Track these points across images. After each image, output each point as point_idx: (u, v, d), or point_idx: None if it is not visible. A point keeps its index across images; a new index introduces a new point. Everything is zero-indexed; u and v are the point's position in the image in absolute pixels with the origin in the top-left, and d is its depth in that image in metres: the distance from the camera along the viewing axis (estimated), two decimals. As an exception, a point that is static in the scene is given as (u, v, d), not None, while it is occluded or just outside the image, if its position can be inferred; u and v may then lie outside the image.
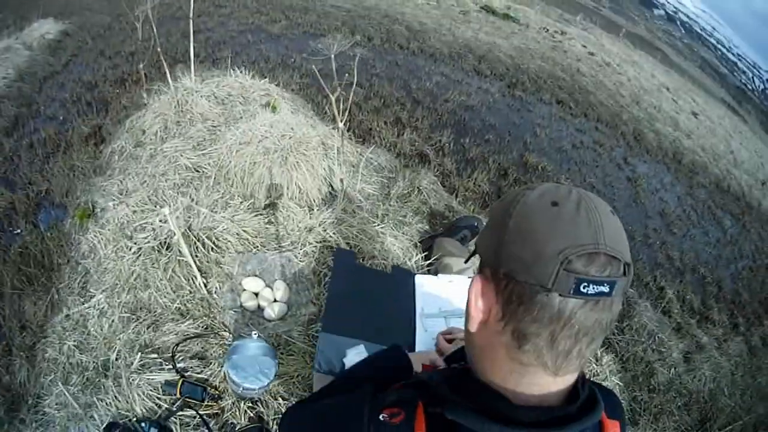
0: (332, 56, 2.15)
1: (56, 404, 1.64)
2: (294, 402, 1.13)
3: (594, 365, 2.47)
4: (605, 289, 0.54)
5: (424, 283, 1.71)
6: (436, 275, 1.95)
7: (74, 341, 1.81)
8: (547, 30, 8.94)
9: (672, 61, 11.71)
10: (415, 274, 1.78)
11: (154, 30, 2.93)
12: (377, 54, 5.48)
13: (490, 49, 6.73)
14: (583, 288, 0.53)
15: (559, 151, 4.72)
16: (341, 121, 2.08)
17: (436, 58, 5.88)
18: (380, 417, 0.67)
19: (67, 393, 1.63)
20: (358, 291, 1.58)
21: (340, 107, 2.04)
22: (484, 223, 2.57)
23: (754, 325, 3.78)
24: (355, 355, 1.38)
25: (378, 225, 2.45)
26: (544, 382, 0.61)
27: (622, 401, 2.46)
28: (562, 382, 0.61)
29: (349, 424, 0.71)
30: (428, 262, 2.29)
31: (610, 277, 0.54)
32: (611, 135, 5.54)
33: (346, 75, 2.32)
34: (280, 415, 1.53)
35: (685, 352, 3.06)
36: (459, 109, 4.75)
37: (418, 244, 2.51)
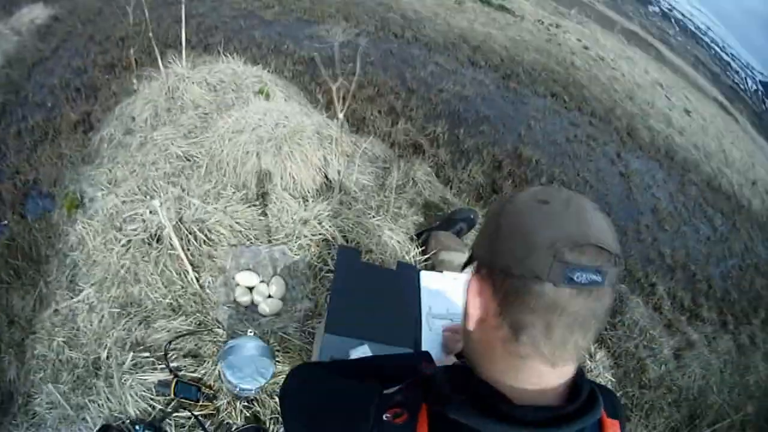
0: (336, 44, 2.09)
1: (47, 404, 1.61)
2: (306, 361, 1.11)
3: (588, 361, 2.48)
4: (597, 278, 0.56)
5: (429, 280, 1.67)
6: (436, 271, 1.90)
7: (63, 337, 1.77)
8: (542, 22, 8.87)
9: (666, 58, 11.73)
10: (420, 269, 1.75)
11: (146, 14, 2.84)
12: (371, 42, 5.39)
13: (485, 40, 6.67)
14: (576, 277, 0.55)
15: (552, 144, 4.71)
16: (341, 111, 2.02)
17: (430, 47, 5.80)
18: (384, 417, 0.68)
19: (57, 393, 1.59)
20: (363, 290, 1.53)
21: (339, 96, 1.98)
22: (479, 221, 2.58)
23: (743, 323, 3.83)
24: (359, 354, 1.35)
25: (374, 217, 2.41)
26: (542, 373, 0.62)
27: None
28: (561, 374, 0.62)
29: (355, 423, 0.71)
30: (426, 257, 2.26)
31: (600, 266, 0.56)
32: (605, 130, 5.53)
33: (350, 65, 2.26)
34: (277, 414, 1.51)
35: (675, 348, 3.10)
36: (453, 99, 4.70)
37: (414, 237, 2.48)
